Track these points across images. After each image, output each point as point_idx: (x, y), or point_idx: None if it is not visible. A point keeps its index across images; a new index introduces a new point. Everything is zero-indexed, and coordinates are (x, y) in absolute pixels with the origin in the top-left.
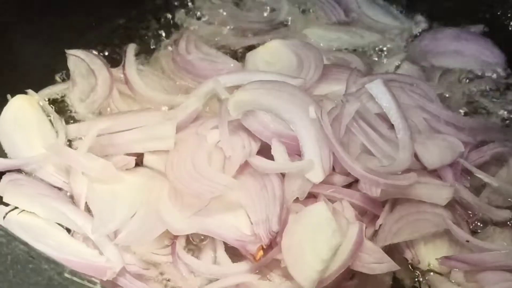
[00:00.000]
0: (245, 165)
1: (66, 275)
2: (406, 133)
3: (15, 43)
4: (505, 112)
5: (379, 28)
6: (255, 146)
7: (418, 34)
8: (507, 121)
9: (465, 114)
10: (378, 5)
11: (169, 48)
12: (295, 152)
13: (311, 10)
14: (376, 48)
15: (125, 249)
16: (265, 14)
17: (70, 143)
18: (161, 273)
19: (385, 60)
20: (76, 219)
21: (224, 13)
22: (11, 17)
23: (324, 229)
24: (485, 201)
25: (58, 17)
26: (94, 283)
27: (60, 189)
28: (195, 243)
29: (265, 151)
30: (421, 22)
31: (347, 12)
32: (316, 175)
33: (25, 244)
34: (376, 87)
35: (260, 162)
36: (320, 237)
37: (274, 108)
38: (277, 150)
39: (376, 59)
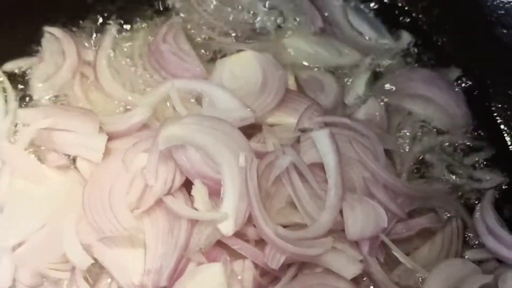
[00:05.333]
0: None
1: None
2: (337, 193)
3: None
4: (454, 177)
5: (362, 45)
6: (179, 180)
7: (400, 54)
8: (451, 188)
9: (409, 175)
10: (366, 19)
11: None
12: (216, 194)
13: (295, 18)
14: (351, 71)
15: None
16: (245, 17)
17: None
18: None
19: (355, 88)
20: None
21: (209, 9)
22: None
23: None
24: (396, 279)
25: None
26: None
27: None
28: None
29: (190, 184)
30: (406, 43)
31: (332, 22)
32: (227, 227)
33: None
34: (321, 138)
35: (175, 205)
36: None
37: (206, 148)
38: (198, 191)
39: (349, 83)
